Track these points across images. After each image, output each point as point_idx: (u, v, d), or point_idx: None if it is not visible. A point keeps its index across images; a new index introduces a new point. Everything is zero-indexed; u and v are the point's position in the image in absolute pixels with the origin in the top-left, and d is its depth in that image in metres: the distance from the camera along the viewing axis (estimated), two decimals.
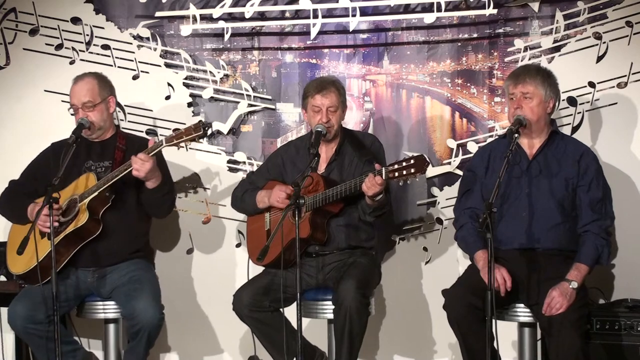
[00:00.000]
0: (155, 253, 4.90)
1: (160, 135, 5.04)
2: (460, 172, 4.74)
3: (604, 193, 4.14)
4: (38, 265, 4.08)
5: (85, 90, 4.40)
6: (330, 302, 4.19)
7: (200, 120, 4.08)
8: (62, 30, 5.13)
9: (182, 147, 4.19)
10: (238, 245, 5.06)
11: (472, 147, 4.82)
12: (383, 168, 3.95)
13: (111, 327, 4.44)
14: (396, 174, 3.91)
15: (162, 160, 4.43)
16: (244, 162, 5.04)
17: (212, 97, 5.07)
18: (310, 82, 4.49)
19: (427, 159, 3.88)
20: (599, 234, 4.05)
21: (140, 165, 4.16)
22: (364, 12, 4.92)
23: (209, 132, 4.10)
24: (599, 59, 4.71)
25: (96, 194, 4.22)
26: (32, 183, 4.45)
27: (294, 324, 3.92)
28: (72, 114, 4.44)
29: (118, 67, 5.08)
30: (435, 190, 4.90)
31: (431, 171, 4.88)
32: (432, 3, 4.83)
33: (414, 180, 4.78)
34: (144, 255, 4.47)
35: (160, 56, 5.10)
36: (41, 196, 4.20)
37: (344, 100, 4.40)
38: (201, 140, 4.10)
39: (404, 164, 3.89)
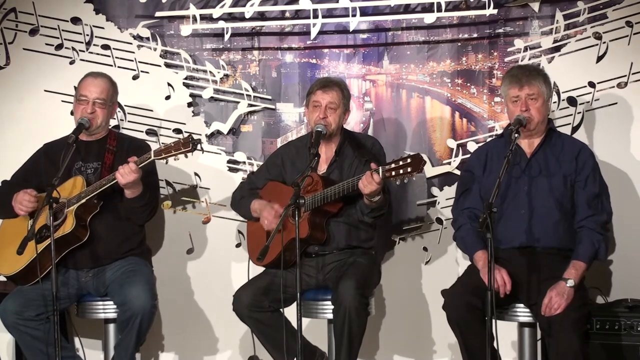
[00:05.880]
0: (155, 253, 4.90)
1: (161, 135, 5.04)
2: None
3: (601, 189, 4.14)
4: (38, 261, 4.09)
5: (102, 89, 4.42)
6: (330, 302, 4.19)
7: (190, 135, 4.06)
8: (62, 30, 5.13)
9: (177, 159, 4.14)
10: (238, 245, 5.06)
11: (472, 147, 4.82)
12: (380, 167, 3.95)
13: (111, 327, 4.42)
14: (393, 172, 3.90)
15: (151, 172, 4.41)
16: (244, 162, 5.04)
17: (212, 97, 5.07)
18: (316, 80, 4.50)
19: (424, 158, 3.87)
20: (595, 229, 4.05)
21: (127, 174, 4.12)
22: (364, 12, 4.92)
23: (198, 147, 4.09)
24: (599, 59, 4.71)
25: (84, 201, 4.23)
26: (22, 184, 4.44)
27: (294, 324, 3.92)
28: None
29: (118, 67, 5.07)
30: (435, 190, 4.89)
31: (431, 171, 4.88)
32: (432, 3, 4.83)
33: (413, 180, 4.81)
34: (138, 253, 4.44)
35: (160, 56, 5.10)
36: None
37: (347, 102, 4.39)
38: (190, 154, 4.07)
39: (401, 162, 3.88)
